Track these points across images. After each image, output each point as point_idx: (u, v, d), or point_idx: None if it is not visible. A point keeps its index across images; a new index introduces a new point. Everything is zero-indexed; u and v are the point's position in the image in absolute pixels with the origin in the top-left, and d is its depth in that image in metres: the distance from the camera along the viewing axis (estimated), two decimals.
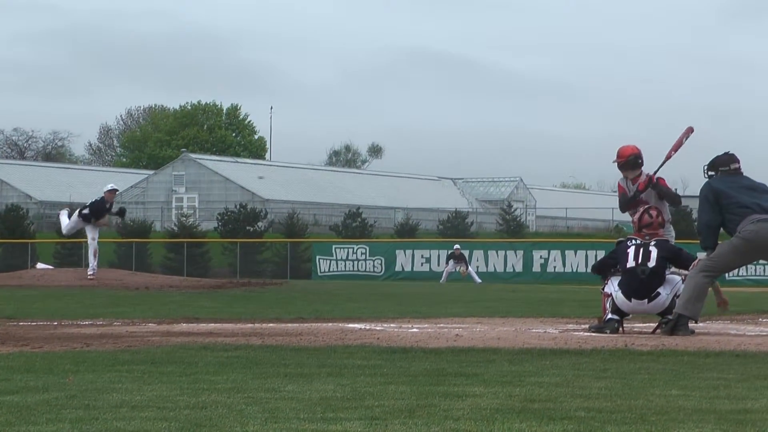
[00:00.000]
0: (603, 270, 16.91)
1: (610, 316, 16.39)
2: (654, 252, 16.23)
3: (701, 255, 16.29)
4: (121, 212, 37.44)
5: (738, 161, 16.28)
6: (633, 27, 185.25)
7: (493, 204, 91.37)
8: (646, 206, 16.78)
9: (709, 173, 16.31)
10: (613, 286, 16.45)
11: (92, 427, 7.26)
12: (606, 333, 15.92)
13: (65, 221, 35.08)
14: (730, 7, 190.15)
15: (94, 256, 34.75)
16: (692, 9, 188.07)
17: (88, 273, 34.51)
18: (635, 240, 16.48)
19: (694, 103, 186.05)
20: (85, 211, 34.24)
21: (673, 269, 16.48)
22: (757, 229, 15.85)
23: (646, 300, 16.17)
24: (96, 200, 34.56)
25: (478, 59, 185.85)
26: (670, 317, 16.17)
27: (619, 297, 16.25)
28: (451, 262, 57.31)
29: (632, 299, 16.19)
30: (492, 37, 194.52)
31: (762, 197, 15.94)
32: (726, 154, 16.35)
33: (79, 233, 38.10)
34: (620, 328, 16.21)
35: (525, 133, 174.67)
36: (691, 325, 15.91)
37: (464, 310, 22.52)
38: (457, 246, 59.59)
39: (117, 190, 36.81)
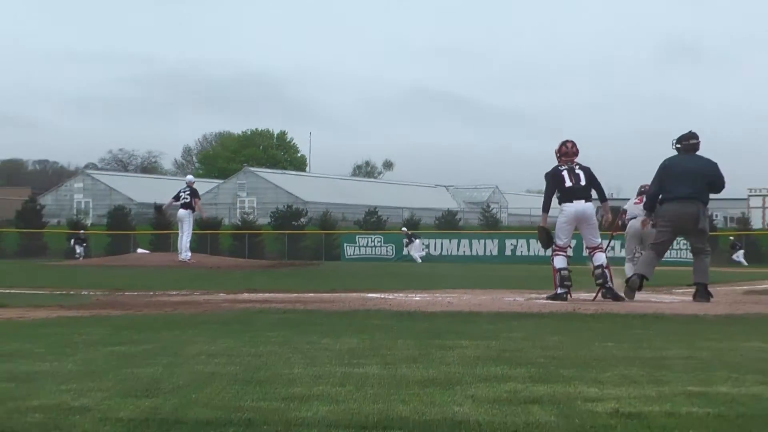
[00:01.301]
0: (548, 201, 16.97)
1: (560, 290, 16.41)
2: (581, 173, 16.63)
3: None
4: (157, 208, 36.55)
5: (696, 137, 16.33)
6: (577, 72, 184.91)
7: (476, 205, 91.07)
8: (564, 139, 16.98)
9: (676, 146, 16.42)
10: (558, 261, 16.57)
11: (179, 370, 7.29)
12: (559, 301, 15.94)
13: (185, 218, 34.01)
14: (663, 50, 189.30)
15: (188, 242, 34.33)
16: (627, 52, 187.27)
17: (185, 257, 34.02)
18: (564, 167, 16.70)
19: (629, 130, 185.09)
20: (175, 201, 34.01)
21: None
22: (668, 209, 16.03)
23: (583, 200, 16.59)
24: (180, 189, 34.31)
25: (466, 96, 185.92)
26: (609, 285, 16.28)
27: (566, 208, 16.62)
28: (416, 242, 57.60)
29: (574, 201, 16.53)
30: (476, 79, 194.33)
31: (685, 184, 16.00)
32: (689, 132, 16.40)
33: (174, 225, 37.72)
34: (568, 297, 16.24)
35: (500, 151, 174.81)
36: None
37: (454, 284, 22.47)
38: (404, 228, 59.95)
39: (190, 179, 36.08)
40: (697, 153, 16.33)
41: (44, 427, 5.24)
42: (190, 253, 34.28)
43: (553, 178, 16.72)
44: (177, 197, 33.97)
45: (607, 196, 17.44)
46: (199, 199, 35.09)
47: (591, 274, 16.70)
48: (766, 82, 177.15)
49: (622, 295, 16.25)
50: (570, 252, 16.88)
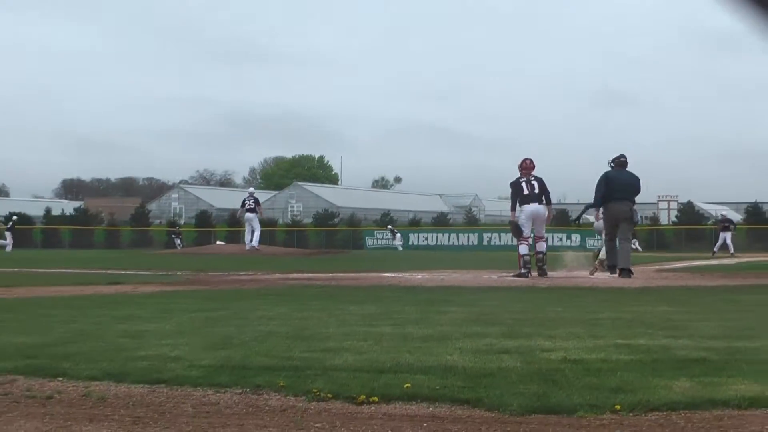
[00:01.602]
0: (514, 204, 16.94)
1: (522, 270, 16.39)
2: (536, 184, 16.68)
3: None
4: (236, 217, 36.15)
5: (625, 157, 16.52)
6: (546, 107, 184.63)
7: (462, 208, 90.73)
8: (524, 157, 17.09)
9: (611, 163, 16.57)
10: (522, 249, 16.56)
11: (246, 329, 7.29)
12: (522, 278, 15.90)
13: (253, 219, 34.15)
14: (598, 95, 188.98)
15: (258, 237, 34.37)
16: (571, 95, 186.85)
17: (256, 245, 34.13)
18: (523, 178, 16.74)
19: (574, 151, 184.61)
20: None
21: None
22: (611, 207, 16.19)
23: (536, 203, 16.58)
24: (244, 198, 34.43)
25: (454, 128, 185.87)
26: (545, 267, 16.41)
27: (525, 208, 16.60)
28: (398, 235, 57.30)
29: (531, 203, 16.56)
30: (462, 115, 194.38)
31: (621, 191, 16.21)
32: (621, 154, 16.55)
33: (243, 225, 37.88)
34: (529, 276, 16.20)
35: (479, 168, 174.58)
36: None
37: (446, 266, 22.48)
38: (390, 226, 59.80)
39: (251, 191, 36.39)
40: (627, 168, 16.51)
41: (149, 371, 5.24)
42: (257, 244, 34.40)
43: (515, 187, 16.83)
44: (243, 204, 34.12)
45: (556, 201, 17.46)
46: (260, 205, 35.38)
47: (534, 256, 16.74)
48: (659, 127, 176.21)
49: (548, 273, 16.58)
50: (530, 241, 16.86)
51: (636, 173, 16.54)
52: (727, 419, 4.04)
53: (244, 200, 34.07)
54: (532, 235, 16.98)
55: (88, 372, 5.25)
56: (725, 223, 41.21)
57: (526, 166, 16.85)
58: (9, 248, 48.39)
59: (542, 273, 16.39)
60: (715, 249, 40.15)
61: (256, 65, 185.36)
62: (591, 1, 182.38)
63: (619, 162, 16.55)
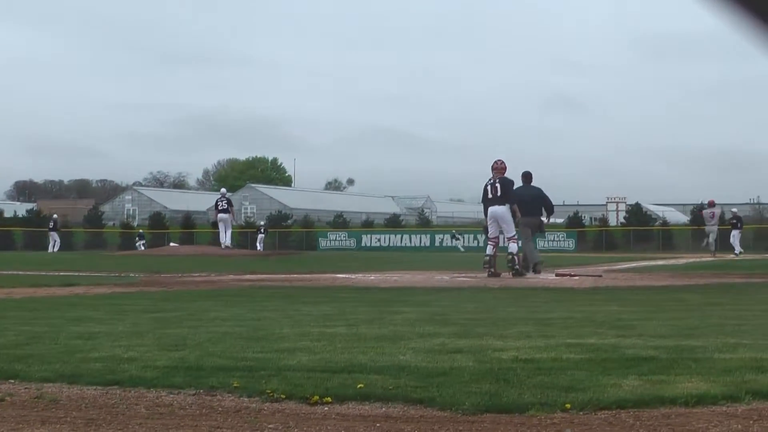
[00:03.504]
0: (485, 208, 17.16)
1: (484, 266, 16.59)
2: (498, 186, 16.73)
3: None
4: (212, 223, 35.82)
5: (530, 174, 17.83)
6: (497, 116, 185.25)
7: (414, 210, 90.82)
8: (497, 158, 17.32)
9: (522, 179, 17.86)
10: (488, 248, 16.75)
11: (201, 330, 7.23)
12: (482, 278, 15.97)
13: (226, 220, 33.65)
14: (545, 101, 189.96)
15: (229, 237, 33.91)
16: (517, 103, 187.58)
17: (229, 245, 33.72)
18: (490, 181, 16.85)
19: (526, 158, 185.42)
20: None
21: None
22: (525, 220, 17.07)
23: (497, 205, 16.68)
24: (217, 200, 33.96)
25: (406, 131, 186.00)
26: (517, 268, 16.48)
27: (488, 211, 16.86)
28: (260, 236, 56.50)
29: (491, 206, 16.74)
30: (414, 120, 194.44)
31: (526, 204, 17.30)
32: (527, 171, 17.90)
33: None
34: (489, 272, 16.32)
35: (433, 170, 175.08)
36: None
37: (398, 266, 22.50)
38: (261, 222, 59.42)
39: (223, 191, 36.07)
40: (532, 184, 17.82)
41: (103, 372, 5.18)
42: (230, 243, 34.11)
43: (483, 191, 16.95)
44: (216, 206, 33.72)
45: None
46: (233, 207, 34.97)
47: (506, 257, 16.82)
48: (608, 131, 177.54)
49: (522, 272, 16.76)
50: (498, 242, 17.00)
51: (539, 186, 17.87)
52: (674, 417, 4.07)
53: (217, 201, 33.73)
54: (501, 236, 16.99)
55: (40, 374, 5.17)
56: (734, 221, 39.28)
57: (496, 167, 16.93)
58: (56, 248, 47.91)
59: (515, 273, 16.40)
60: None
61: (209, 68, 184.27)
62: (542, 8, 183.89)
63: (526, 178, 17.80)
